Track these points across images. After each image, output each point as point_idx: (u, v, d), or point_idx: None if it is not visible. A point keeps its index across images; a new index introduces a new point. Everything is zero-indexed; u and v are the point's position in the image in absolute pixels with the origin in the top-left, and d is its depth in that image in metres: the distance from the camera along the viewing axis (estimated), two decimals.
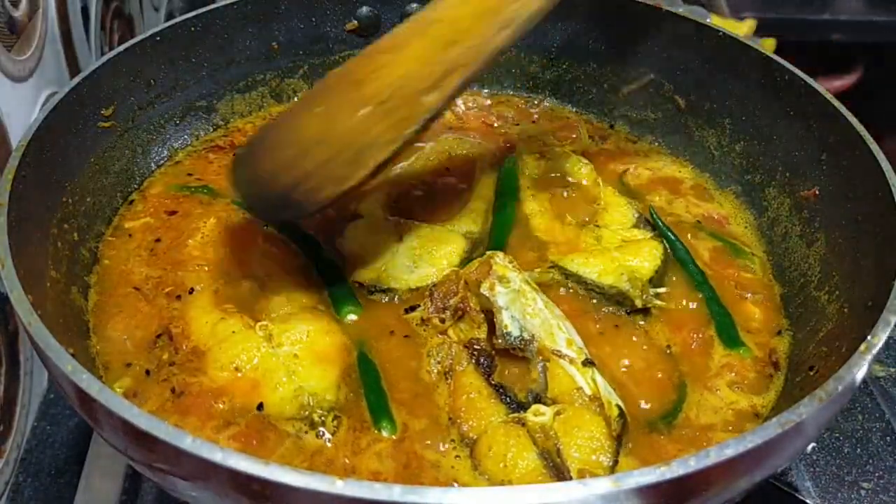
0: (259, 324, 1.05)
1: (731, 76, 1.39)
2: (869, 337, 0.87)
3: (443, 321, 1.08)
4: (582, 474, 0.91)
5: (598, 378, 1.00)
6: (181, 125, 1.44)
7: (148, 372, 1.04)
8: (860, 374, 0.83)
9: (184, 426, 0.96)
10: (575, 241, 1.24)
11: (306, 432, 0.98)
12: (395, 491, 0.67)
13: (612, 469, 0.94)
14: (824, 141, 1.22)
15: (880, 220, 1.05)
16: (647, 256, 1.18)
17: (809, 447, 1.23)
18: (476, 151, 1.44)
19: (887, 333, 0.88)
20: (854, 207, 1.14)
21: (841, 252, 1.15)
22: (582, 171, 1.36)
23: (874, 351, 0.86)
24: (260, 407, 0.98)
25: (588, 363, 1.01)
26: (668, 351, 1.11)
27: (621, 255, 1.19)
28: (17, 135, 1.07)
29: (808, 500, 1.15)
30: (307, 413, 0.98)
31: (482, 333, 1.06)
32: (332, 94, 1.02)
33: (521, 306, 1.04)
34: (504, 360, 1.04)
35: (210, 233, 1.22)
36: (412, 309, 1.12)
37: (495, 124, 1.55)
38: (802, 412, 0.77)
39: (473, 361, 1.03)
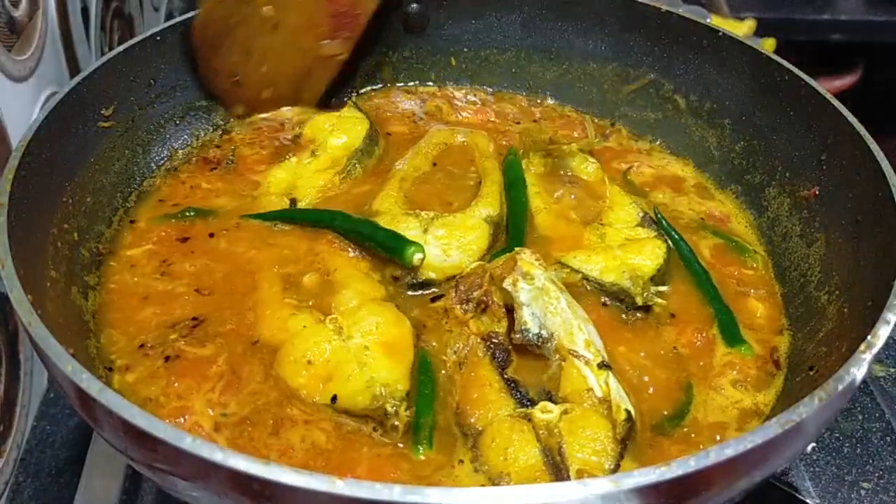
0: (329, 317, 1.06)
1: (731, 76, 1.39)
2: (869, 337, 0.87)
3: (465, 312, 1.09)
4: (581, 474, 0.91)
5: (612, 381, 1.00)
6: (181, 125, 1.44)
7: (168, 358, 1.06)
8: (860, 374, 0.83)
9: None
10: (579, 239, 1.25)
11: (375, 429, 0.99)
12: (396, 491, 0.67)
13: (614, 472, 0.93)
14: (824, 141, 1.22)
15: (880, 220, 1.05)
16: (649, 255, 1.19)
17: (809, 447, 1.23)
18: (470, 140, 1.45)
19: (887, 333, 0.88)
20: (854, 207, 1.14)
21: (841, 252, 1.15)
22: (588, 169, 1.37)
23: (874, 351, 0.86)
24: (334, 399, 0.99)
25: (604, 366, 1.01)
26: (673, 351, 1.12)
27: (624, 253, 1.19)
28: (17, 135, 1.07)
29: (808, 500, 1.15)
30: (380, 404, 0.98)
31: (502, 328, 1.07)
32: None
33: (544, 304, 1.05)
34: (520, 356, 1.04)
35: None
36: (438, 298, 1.14)
37: (493, 119, 1.55)
38: (802, 412, 0.77)
39: (489, 354, 1.04)
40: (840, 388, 0.81)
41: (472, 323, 1.08)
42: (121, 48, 1.29)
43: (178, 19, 1.39)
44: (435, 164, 1.39)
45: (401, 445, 0.98)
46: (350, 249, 1.21)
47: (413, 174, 1.36)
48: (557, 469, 0.92)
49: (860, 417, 1.29)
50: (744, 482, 0.80)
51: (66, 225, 1.13)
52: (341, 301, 1.10)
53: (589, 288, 1.17)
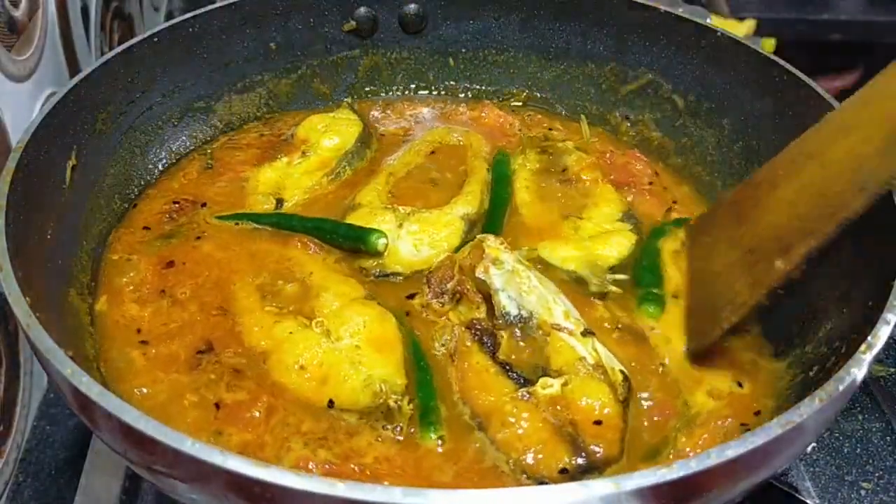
0: (314, 321, 1.07)
1: (730, 76, 1.39)
2: (869, 337, 0.87)
3: (442, 305, 1.11)
4: (594, 440, 0.93)
5: (599, 347, 1.03)
6: (179, 126, 1.44)
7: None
8: (860, 374, 0.83)
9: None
10: (555, 230, 1.27)
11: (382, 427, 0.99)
12: (396, 493, 0.66)
13: (624, 433, 0.96)
14: None
15: (880, 221, 1.05)
16: (615, 245, 1.22)
17: (809, 447, 1.23)
18: (464, 140, 1.46)
19: (887, 333, 0.88)
20: None
21: (841, 252, 1.14)
22: (582, 166, 1.37)
23: (874, 351, 0.86)
24: (331, 404, 0.99)
25: (587, 333, 1.04)
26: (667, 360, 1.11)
27: (592, 243, 1.22)
28: (17, 135, 1.07)
29: (808, 500, 1.15)
30: (382, 400, 0.98)
31: (482, 314, 1.08)
32: (719, 222, 1.14)
33: (517, 285, 1.08)
34: (506, 339, 1.05)
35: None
36: (412, 296, 1.15)
37: (490, 119, 1.55)
38: (802, 412, 0.77)
39: (477, 341, 1.05)
40: (840, 388, 0.81)
41: (452, 314, 1.10)
42: (120, 48, 1.29)
43: (176, 20, 1.39)
44: (429, 158, 1.40)
45: (400, 438, 0.98)
46: (320, 251, 1.21)
47: (402, 170, 1.37)
48: (574, 440, 0.93)
49: (860, 417, 1.30)
50: (745, 483, 0.80)
51: (65, 226, 1.13)
52: (324, 304, 1.10)
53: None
